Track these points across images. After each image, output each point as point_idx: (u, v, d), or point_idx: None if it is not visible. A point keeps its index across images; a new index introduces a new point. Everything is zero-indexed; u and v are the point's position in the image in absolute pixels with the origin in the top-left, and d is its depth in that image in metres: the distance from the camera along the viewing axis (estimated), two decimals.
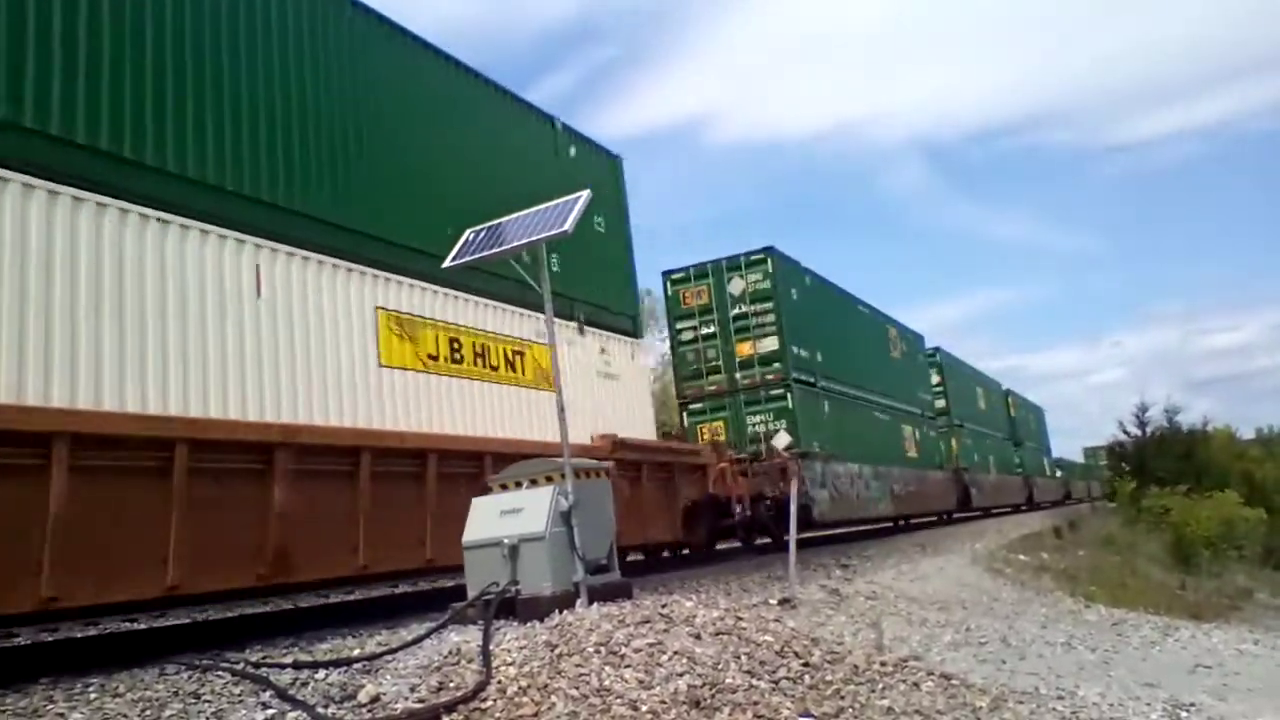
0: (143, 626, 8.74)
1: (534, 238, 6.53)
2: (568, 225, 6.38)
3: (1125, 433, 45.56)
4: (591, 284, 11.87)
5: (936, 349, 31.92)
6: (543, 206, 6.85)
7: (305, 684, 4.70)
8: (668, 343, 18.24)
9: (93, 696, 4.66)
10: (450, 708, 4.09)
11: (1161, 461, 39.27)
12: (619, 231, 13.17)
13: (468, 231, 7.31)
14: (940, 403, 30.22)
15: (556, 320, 7.48)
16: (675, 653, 4.71)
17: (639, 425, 12.25)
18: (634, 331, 12.83)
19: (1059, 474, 58.26)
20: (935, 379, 30.84)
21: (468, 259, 6.99)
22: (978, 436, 33.89)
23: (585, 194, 6.70)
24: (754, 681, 4.58)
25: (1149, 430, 44.04)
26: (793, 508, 9.76)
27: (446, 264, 7.25)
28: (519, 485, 6.59)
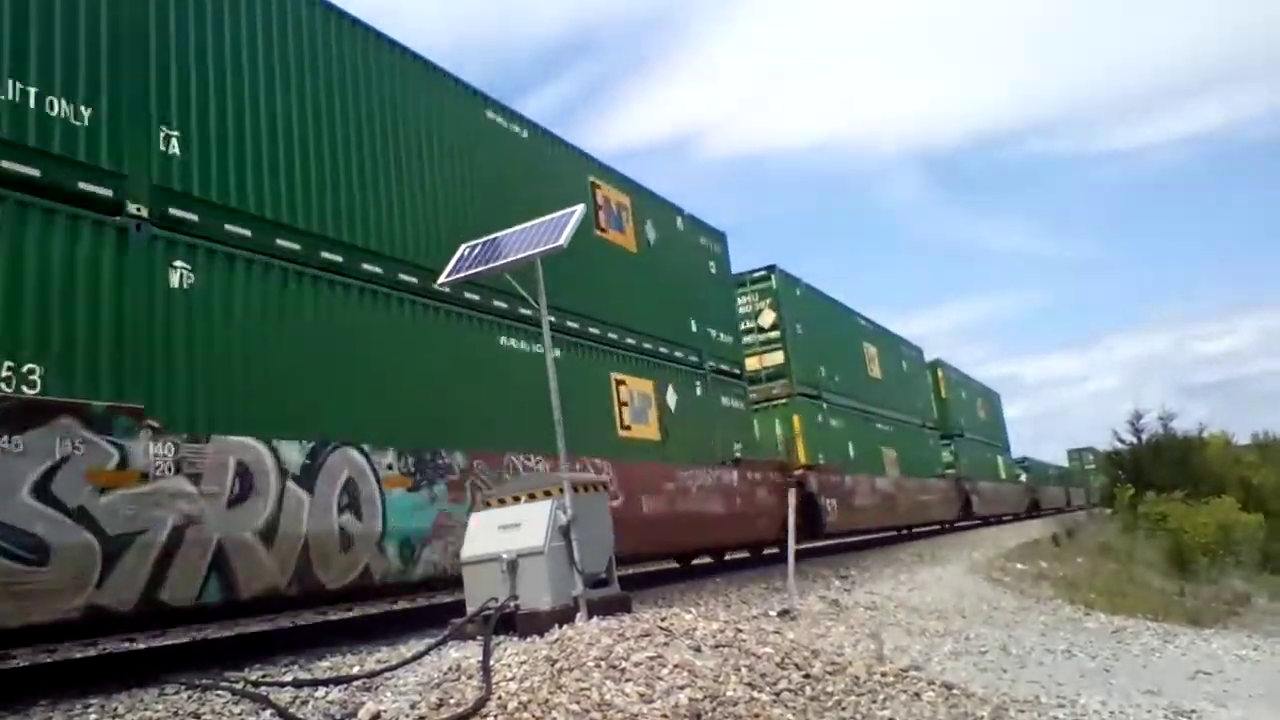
0: (142, 646, 8.70)
1: (528, 253, 6.57)
2: (562, 240, 6.42)
3: (1120, 440, 45.53)
4: None
5: (772, 267, 20.13)
6: (537, 221, 6.89)
7: (305, 702, 4.69)
8: None
9: (92, 717, 4.65)
10: None
11: (1157, 468, 39.26)
12: None
13: (463, 246, 7.34)
14: (775, 357, 19.31)
15: None
16: (676, 666, 4.71)
17: None
18: None
19: (1023, 478, 47.45)
20: (765, 313, 19.67)
21: (463, 274, 7.02)
22: (857, 419, 22.60)
23: (579, 208, 6.74)
24: (755, 694, 4.58)
25: (1144, 437, 44.05)
26: (791, 521, 9.76)
27: (441, 280, 7.28)
28: (517, 500, 6.60)
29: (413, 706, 4.40)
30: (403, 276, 8.84)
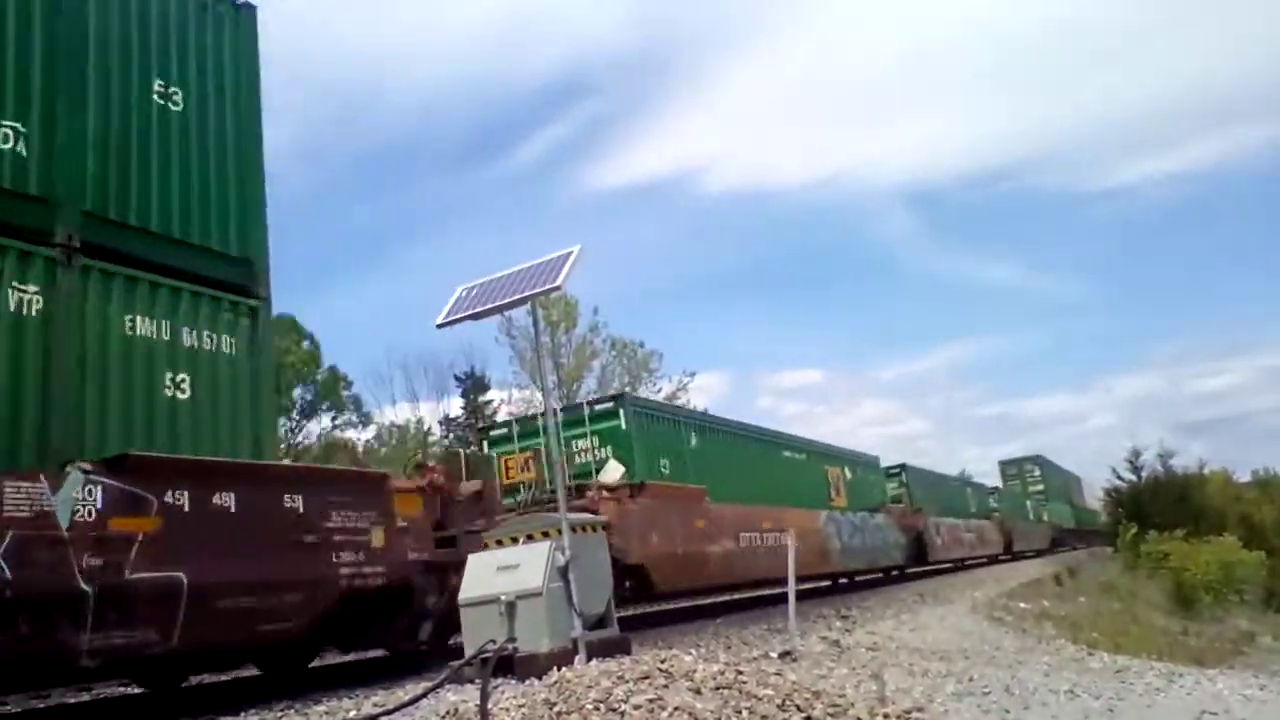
0: (137, 691, 8.60)
1: (525, 294, 6.60)
2: (560, 280, 6.45)
3: (1119, 478, 45.35)
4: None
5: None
6: (534, 262, 6.93)
7: None
8: None
9: None
10: None
11: (1157, 506, 39.08)
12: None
13: (460, 288, 7.38)
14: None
15: None
16: (675, 709, 4.66)
17: None
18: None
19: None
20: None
21: (461, 315, 7.04)
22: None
23: (577, 248, 6.78)
24: None
25: (1143, 475, 43.91)
26: (790, 561, 9.70)
27: (439, 321, 7.31)
28: (515, 541, 6.56)
29: None
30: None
